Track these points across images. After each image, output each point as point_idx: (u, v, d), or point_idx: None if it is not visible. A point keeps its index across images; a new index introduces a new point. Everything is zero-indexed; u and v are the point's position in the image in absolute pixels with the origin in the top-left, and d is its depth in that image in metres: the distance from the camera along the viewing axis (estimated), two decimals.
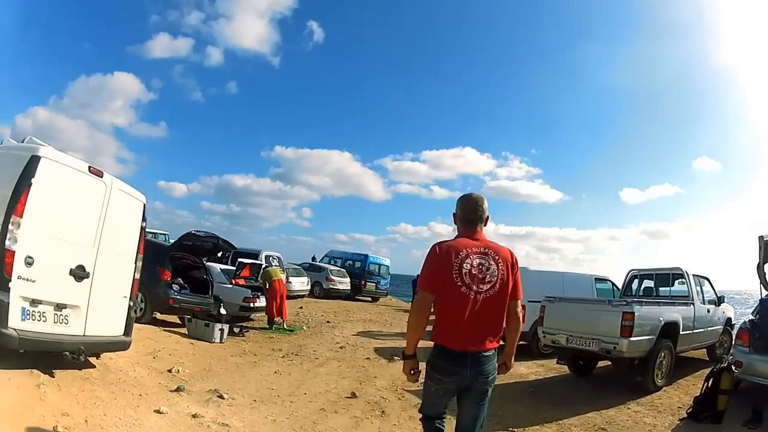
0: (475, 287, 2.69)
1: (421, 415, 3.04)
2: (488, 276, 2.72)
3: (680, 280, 8.85)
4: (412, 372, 2.85)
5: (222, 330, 9.66)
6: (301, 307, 17.08)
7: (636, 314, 6.67)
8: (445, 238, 2.92)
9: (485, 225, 2.96)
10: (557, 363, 8.36)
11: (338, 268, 24.30)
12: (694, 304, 8.25)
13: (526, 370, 8.82)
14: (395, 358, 8.96)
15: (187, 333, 9.82)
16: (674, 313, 7.58)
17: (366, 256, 25.45)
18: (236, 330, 10.93)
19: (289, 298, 20.00)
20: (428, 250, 2.80)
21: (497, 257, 2.79)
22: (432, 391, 2.85)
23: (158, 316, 10.40)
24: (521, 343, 5.35)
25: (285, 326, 12.58)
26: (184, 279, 11.56)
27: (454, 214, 3.03)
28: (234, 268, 13.60)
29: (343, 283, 23.27)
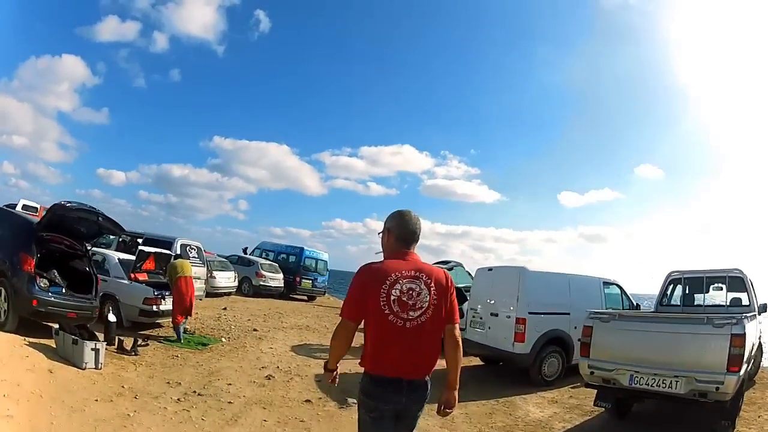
0: (404, 315, 2.53)
1: None
2: (419, 302, 2.56)
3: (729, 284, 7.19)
4: (333, 380, 2.79)
5: (96, 350, 6.75)
6: (225, 309, 14.45)
7: (746, 336, 4.68)
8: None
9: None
10: (595, 405, 6.03)
11: (270, 263, 21.50)
12: (757, 316, 6.44)
13: (540, 413, 6.70)
14: (350, 401, 6.33)
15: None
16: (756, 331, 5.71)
17: (301, 249, 22.75)
18: (137, 343, 8.23)
19: (213, 295, 17.32)
20: (356, 272, 2.62)
21: (429, 281, 2.61)
22: (368, 419, 2.62)
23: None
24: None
25: (193, 339, 9.90)
26: (63, 271, 8.69)
27: (383, 231, 2.82)
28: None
29: (276, 280, 20.49)
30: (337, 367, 2.78)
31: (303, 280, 21.72)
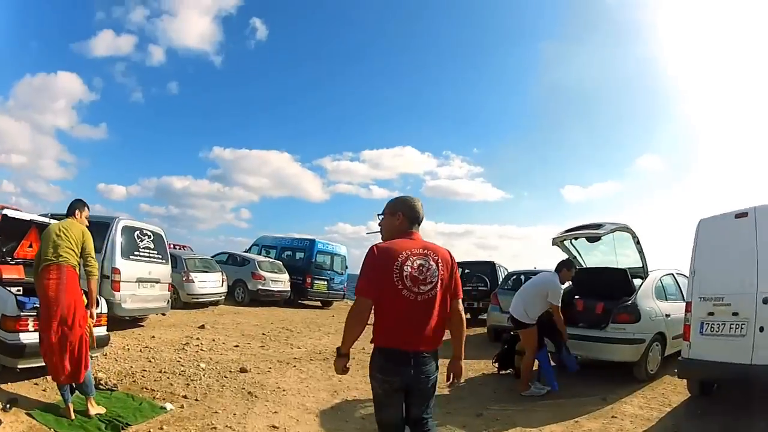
0: (416, 289, 2.60)
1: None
2: (428, 277, 2.64)
3: None
4: (346, 367, 2.73)
5: None
6: (202, 326, 9.59)
7: None
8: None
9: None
10: None
11: (271, 260, 16.34)
12: None
13: None
14: None
15: None
16: None
17: (312, 242, 17.41)
18: None
19: (192, 306, 12.00)
20: (366, 253, 2.67)
21: (436, 257, 2.71)
22: (380, 392, 2.69)
23: None
24: None
25: (110, 405, 4.73)
26: None
27: (388, 215, 2.86)
28: None
29: (280, 282, 15.42)
30: (349, 351, 2.72)
31: (316, 282, 16.65)
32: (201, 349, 7.52)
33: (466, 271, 14.05)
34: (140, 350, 7.08)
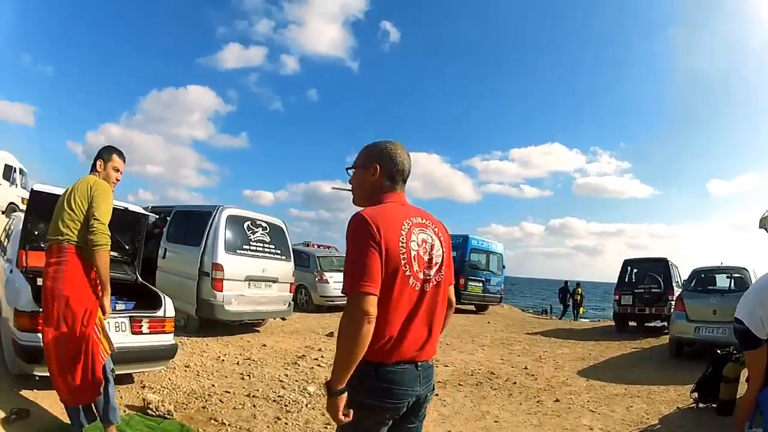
0: (422, 275, 1.81)
1: None
2: (434, 257, 1.86)
3: None
4: (347, 412, 1.74)
5: None
6: (330, 334, 8.16)
7: None
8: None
9: None
10: None
11: None
12: None
13: None
14: None
15: None
16: None
17: (465, 238, 15.29)
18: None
19: (327, 310, 11.16)
20: (351, 224, 1.78)
21: (437, 229, 1.94)
22: (371, 425, 1.82)
23: None
24: None
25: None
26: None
27: (361, 168, 1.98)
28: None
29: None
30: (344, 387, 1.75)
31: (470, 283, 14.62)
32: (318, 365, 5.93)
33: (635, 270, 12.02)
34: (238, 363, 5.74)
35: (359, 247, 1.70)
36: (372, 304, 1.64)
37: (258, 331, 8.16)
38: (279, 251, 8.15)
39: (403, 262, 1.74)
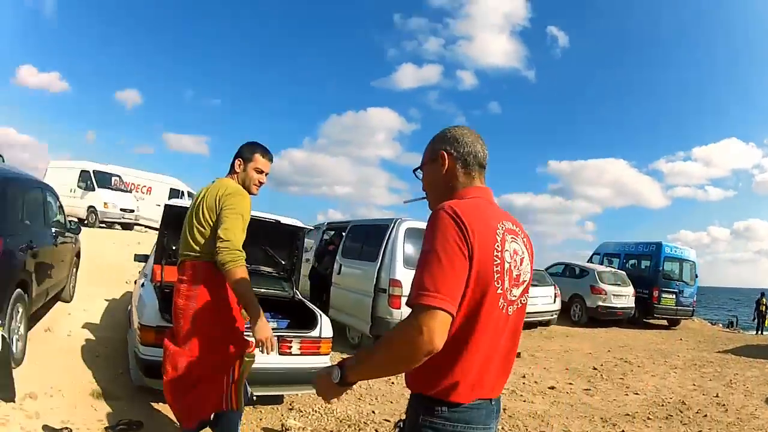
0: (509, 294, 1.49)
1: None
2: (522, 273, 1.56)
3: None
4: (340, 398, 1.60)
5: None
6: (518, 355, 8.35)
7: None
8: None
9: None
10: None
11: (614, 271, 15.07)
12: None
13: None
14: None
15: None
16: None
17: (658, 246, 15.55)
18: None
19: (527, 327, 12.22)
20: (433, 220, 1.41)
21: (526, 241, 1.62)
22: None
23: None
24: None
25: None
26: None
27: (423, 164, 1.72)
28: None
29: (623, 297, 14.05)
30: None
31: (663, 295, 14.81)
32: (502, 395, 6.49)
33: None
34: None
35: (440, 248, 1.35)
36: (444, 327, 1.28)
37: None
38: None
39: (496, 276, 1.44)
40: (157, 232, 5.03)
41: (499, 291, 1.44)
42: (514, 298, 1.51)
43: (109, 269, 9.67)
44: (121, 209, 17.35)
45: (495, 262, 1.42)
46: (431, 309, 1.27)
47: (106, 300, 7.98)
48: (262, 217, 4.56)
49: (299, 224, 5.07)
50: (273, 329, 3.13)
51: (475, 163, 1.64)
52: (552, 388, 6.64)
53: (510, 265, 1.48)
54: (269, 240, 4.79)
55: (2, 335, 3.41)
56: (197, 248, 2.86)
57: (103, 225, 17.23)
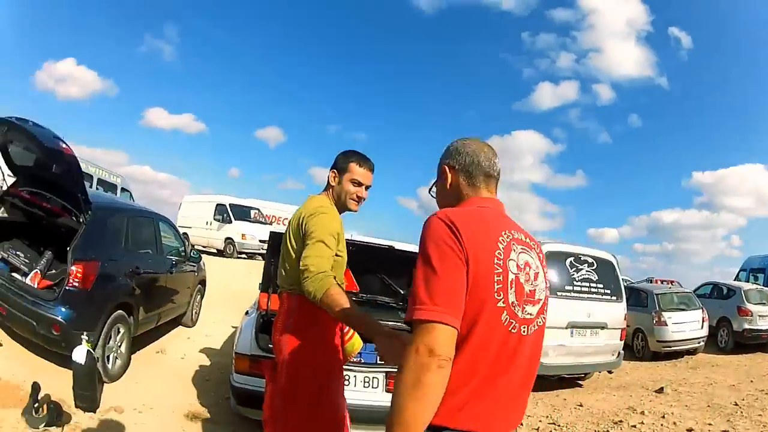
0: (519, 310, 1.32)
1: None
2: (537, 289, 1.40)
3: None
4: None
5: None
6: (660, 390, 7.06)
7: None
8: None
9: None
10: None
11: (759, 288, 13.06)
12: None
13: None
14: None
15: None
16: None
17: None
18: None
19: (664, 357, 10.36)
20: (425, 229, 1.33)
21: (541, 256, 1.48)
22: None
23: None
24: None
25: None
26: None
27: (443, 176, 1.60)
28: None
29: None
30: None
31: None
32: None
33: None
34: (538, 429, 5.46)
35: (434, 256, 1.26)
36: (445, 340, 1.18)
37: (580, 386, 7.56)
38: (608, 290, 7.25)
39: (496, 287, 1.29)
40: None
41: (500, 304, 1.29)
42: (528, 317, 1.35)
43: (235, 297, 9.76)
44: (260, 240, 17.28)
45: (496, 271, 1.29)
46: (427, 324, 1.19)
47: (233, 327, 7.60)
48: (376, 243, 4.30)
49: (415, 249, 4.80)
50: (378, 364, 3.00)
51: (479, 173, 1.54)
52: (690, 430, 5.80)
53: (517, 277, 1.34)
54: (384, 268, 4.46)
55: (88, 350, 3.70)
56: (288, 279, 2.53)
57: (243, 256, 17.73)
